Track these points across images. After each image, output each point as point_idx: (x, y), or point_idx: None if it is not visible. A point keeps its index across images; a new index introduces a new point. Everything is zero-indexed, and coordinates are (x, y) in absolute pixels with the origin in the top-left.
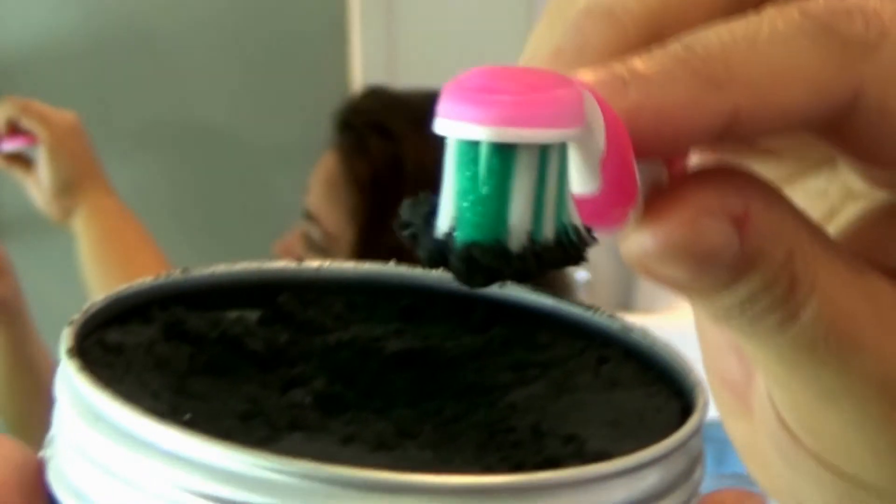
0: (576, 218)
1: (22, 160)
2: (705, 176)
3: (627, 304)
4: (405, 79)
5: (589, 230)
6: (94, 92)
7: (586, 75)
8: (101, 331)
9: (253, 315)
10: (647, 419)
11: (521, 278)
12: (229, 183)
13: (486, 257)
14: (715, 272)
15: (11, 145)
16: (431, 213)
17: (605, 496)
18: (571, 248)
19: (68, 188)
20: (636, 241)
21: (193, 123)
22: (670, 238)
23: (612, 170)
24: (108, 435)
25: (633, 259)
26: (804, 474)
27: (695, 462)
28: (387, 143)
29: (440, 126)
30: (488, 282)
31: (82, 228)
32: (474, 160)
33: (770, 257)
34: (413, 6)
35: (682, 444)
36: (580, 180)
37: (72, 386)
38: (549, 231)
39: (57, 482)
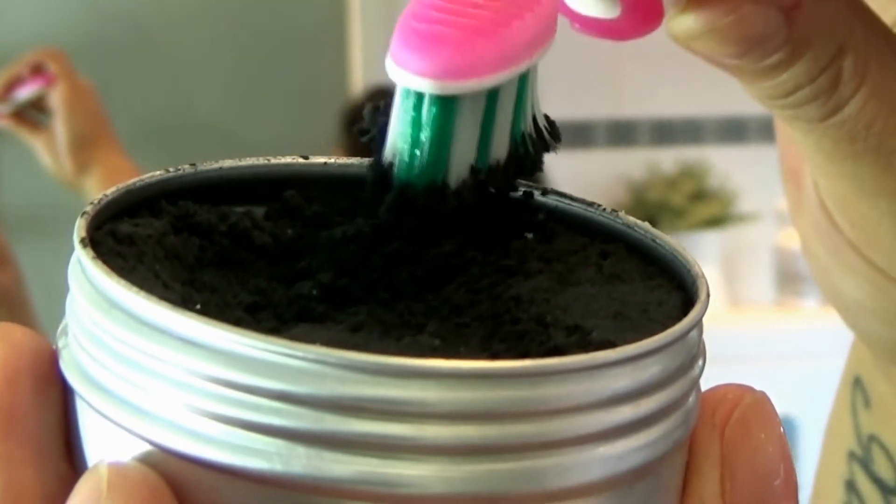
0: (539, 118)
1: (30, 122)
2: None
3: None
4: None
5: (552, 128)
6: None
7: None
8: (113, 222)
9: (260, 210)
10: (650, 311)
11: (461, 209)
12: None
13: (419, 198)
14: (759, 57)
15: (29, 88)
16: (387, 125)
17: (609, 383)
18: (527, 159)
19: (84, 142)
20: (681, 22)
21: (193, 123)
22: (714, 22)
23: None
24: (120, 322)
25: (677, 37)
26: (842, 264)
27: (695, 356)
28: None
29: (387, 67)
30: (421, 220)
31: (97, 187)
32: (416, 106)
33: (818, 49)
34: None
35: (684, 335)
36: (597, 7)
37: (85, 274)
38: (500, 151)
39: (69, 369)
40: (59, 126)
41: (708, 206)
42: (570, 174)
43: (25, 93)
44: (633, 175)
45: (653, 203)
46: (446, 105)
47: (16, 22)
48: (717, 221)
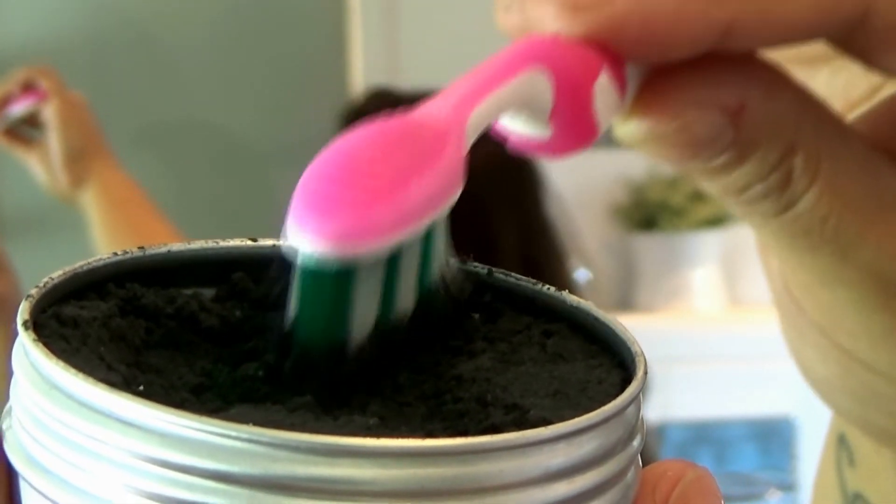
0: (449, 267)
1: (23, 138)
2: (701, 65)
3: (627, 304)
4: (406, 79)
5: (463, 276)
6: (93, 92)
7: None
8: (58, 305)
9: (208, 292)
10: (589, 390)
11: (367, 365)
12: (229, 183)
13: (320, 361)
14: (706, 159)
15: (21, 105)
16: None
17: (543, 460)
18: (437, 310)
19: (79, 156)
20: (625, 129)
21: (193, 124)
22: (657, 129)
23: (564, 119)
24: (60, 404)
25: (625, 140)
26: (810, 344)
27: (633, 431)
28: None
29: (287, 228)
30: (324, 381)
31: (94, 199)
32: (314, 268)
33: (767, 149)
34: (414, 6)
35: (620, 411)
36: (528, 128)
37: (27, 357)
38: (406, 304)
39: (13, 451)
40: (54, 140)
41: (708, 206)
42: (570, 174)
43: (18, 109)
44: (633, 175)
45: (653, 203)
46: (345, 267)
47: (17, 23)
48: (717, 221)
